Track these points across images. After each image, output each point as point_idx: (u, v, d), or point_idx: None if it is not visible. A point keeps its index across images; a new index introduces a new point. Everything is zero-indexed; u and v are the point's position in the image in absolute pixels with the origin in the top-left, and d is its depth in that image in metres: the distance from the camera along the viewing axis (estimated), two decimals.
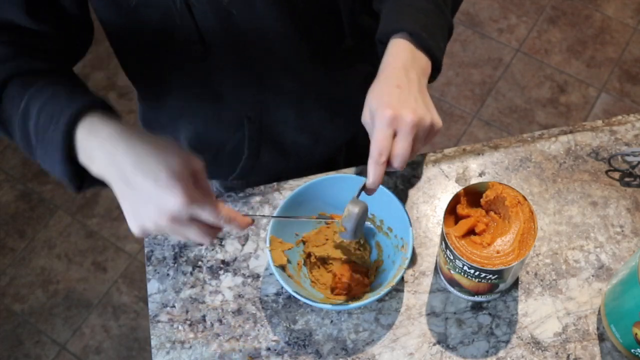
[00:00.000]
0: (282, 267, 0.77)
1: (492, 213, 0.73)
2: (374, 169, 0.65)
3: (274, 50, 0.79)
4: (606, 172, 0.89)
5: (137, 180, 0.55)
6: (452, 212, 0.73)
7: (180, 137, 0.92)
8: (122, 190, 0.57)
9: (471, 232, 0.72)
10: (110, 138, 0.57)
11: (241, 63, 0.80)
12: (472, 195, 0.73)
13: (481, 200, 0.73)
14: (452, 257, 0.71)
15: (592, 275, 0.82)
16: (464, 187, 0.73)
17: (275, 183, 0.89)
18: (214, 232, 0.60)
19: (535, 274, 0.82)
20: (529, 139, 0.93)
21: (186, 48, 0.76)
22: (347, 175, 0.82)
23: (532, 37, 2.22)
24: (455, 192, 0.73)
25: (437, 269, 0.81)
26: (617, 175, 0.89)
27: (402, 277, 0.80)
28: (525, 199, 0.72)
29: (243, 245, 0.86)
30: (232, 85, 0.83)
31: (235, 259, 0.85)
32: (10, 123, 0.64)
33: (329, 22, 0.81)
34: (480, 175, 0.90)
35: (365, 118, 0.68)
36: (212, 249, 0.85)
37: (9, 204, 1.98)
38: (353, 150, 1.04)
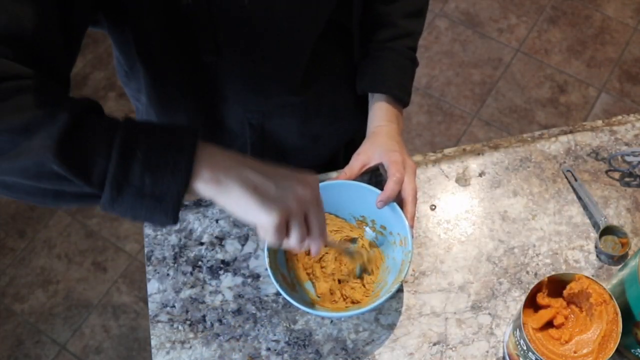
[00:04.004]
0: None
1: (573, 306, 0.70)
2: (393, 185, 0.79)
3: (283, 66, 0.81)
4: (606, 172, 0.89)
5: (278, 171, 0.62)
6: (532, 299, 0.70)
7: None
8: (257, 186, 0.59)
9: (549, 322, 0.69)
10: (236, 156, 0.60)
11: (250, 73, 0.80)
12: (555, 283, 0.70)
13: (564, 291, 0.69)
14: (525, 348, 0.68)
15: (592, 275, 0.82)
16: (548, 275, 0.70)
17: None
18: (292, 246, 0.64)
19: (535, 274, 0.82)
20: (529, 139, 0.93)
21: (199, 50, 0.76)
22: (346, 182, 0.81)
23: (532, 37, 2.22)
24: (539, 280, 0.70)
25: (503, 348, 0.77)
26: (617, 175, 0.89)
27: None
28: (612, 298, 0.67)
29: (243, 245, 0.86)
30: (237, 92, 0.83)
31: (235, 259, 0.85)
32: (90, 163, 0.54)
33: (341, 43, 0.89)
34: (480, 175, 0.90)
35: (363, 155, 0.84)
36: (212, 249, 0.85)
37: (9, 204, 1.98)
38: (352, 149, 1.05)
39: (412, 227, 0.78)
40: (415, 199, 0.80)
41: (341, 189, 0.81)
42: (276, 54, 0.79)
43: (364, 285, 0.81)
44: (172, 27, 0.73)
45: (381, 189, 0.79)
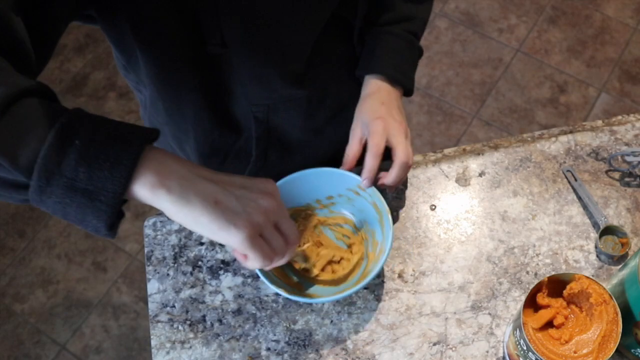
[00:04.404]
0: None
1: (573, 306, 0.70)
2: (372, 160, 0.78)
3: (288, 59, 0.80)
4: (606, 172, 0.89)
5: (235, 181, 0.58)
6: (532, 299, 0.70)
7: (190, 142, 0.92)
8: (219, 201, 0.55)
9: (549, 322, 0.69)
10: (187, 164, 0.55)
11: (255, 66, 0.80)
12: (555, 284, 0.70)
13: (564, 291, 0.69)
14: (525, 348, 0.68)
15: (592, 275, 0.82)
16: (548, 275, 0.69)
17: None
18: (276, 255, 0.61)
19: (535, 274, 0.82)
20: (529, 139, 0.93)
21: (205, 44, 0.75)
22: (328, 169, 0.83)
23: (532, 37, 2.22)
24: (539, 280, 0.70)
25: (503, 348, 0.77)
26: (617, 175, 0.89)
27: (383, 268, 0.79)
28: (612, 298, 0.67)
29: None
30: (242, 84, 0.83)
31: (235, 259, 0.85)
32: (21, 143, 0.50)
33: (344, 35, 0.88)
34: (480, 175, 0.90)
35: (356, 129, 0.82)
36: (212, 249, 0.85)
37: (9, 204, 1.98)
38: None
39: (370, 181, 0.78)
40: (378, 154, 0.78)
41: (301, 179, 0.82)
42: (280, 47, 0.79)
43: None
44: (176, 19, 0.73)
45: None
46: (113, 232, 0.53)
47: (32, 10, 0.57)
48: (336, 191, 0.85)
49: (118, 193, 0.50)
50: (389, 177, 0.79)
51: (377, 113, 0.81)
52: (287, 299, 0.81)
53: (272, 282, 0.75)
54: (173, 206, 0.53)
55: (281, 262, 0.63)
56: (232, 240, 0.56)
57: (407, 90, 0.88)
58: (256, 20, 0.74)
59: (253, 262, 0.59)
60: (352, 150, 0.82)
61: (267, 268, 0.63)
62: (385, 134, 0.78)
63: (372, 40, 0.87)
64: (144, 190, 0.52)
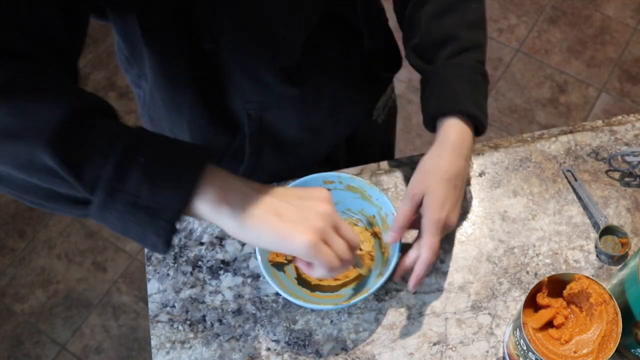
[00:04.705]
0: (278, 265, 0.78)
1: (573, 306, 0.70)
2: (420, 269, 0.75)
3: (280, 56, 0.80)
4: (606, 172, 0.89)
5: (291, 193, 0.60)
6: (532, 299, 0.70)
7: (186, 139, 0.92)
8: (279, 212, 0.57)
9: (549, 322, 0.69)
10: (246, 181, 0.58)
11: (247, 64, 0.80)
12: (555, 284, 0.70)
13: (564, 291, 0.69)
14: (525, 348, 0.68)
15: (592, 275, 0.82)
16: (548, 275, 0.69)
17: (274, 183, 0.89)
18: (340, 260, 0.62)
19: (535, 274, 0.82)
20: (529, 139, 0.93)
21: (197, 41, 0.76)
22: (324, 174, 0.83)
23: (532, 37, 2.22)
24: (539, 280, 0.69)
25: (503, 348, 0.76)
26: (617, 175, 0.89)
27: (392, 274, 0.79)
28: (612, 298, 0.67)
29: (243, 245, 0.86)
30: (235, 81, 0.83)
31: (235, 259, 0.85)
32: (85, 162, 0.51)
33: (343, 36, 0.85)
34: (480, 175, 0.90)
35: (414, 191, 0.75)
36: (212, 249, 0.85)
37: (9, 204, 1.98)
38: (352, 145, 1.05)
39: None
40: (427, 263, 0.74)
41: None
42: (271, 43, 0.79)
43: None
44: (174, 14, 0.73)
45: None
46: (169, 248, 0.54)
47: (69, 5, 0.58)
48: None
49: (179, 210, 0.51)
50: (413, 280, 0.75)
51: (437, 197, 0.73)
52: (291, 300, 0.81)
53: (290, 293, 0.75)
54: (235, 221, 0.55)
55: (346, 267, 0.62)
56: (298, 248, 0.56)
57: (480, 129, 0.78)
58: (246, 16, 0.74)
59: (319, 270, 0.60)
60: (402, 220, 0.75)
61: (334, 275, 0.63)
62: (439, 236, 0.74)
63: (441, 75, 0.77)
64: (206, 207, 0.53)
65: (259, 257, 0.77)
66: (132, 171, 0.50)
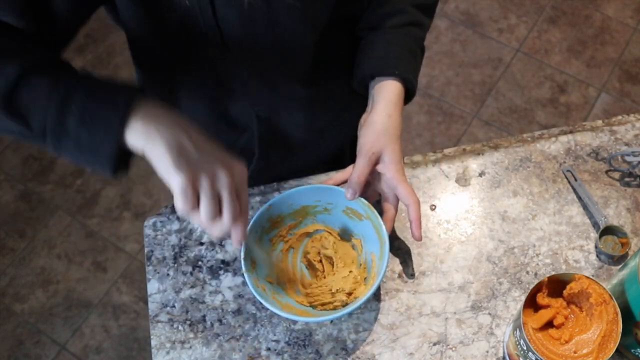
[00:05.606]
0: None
1: (573, 306, 0.70)
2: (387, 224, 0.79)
3: (289, 58, 0.80)
4: (606, 172, 0.89)
5: (207, 145, 0.62)
6: (532, 299, 0.70)
7: None
8: (182, 147, 0.60)
9: (549, 322, 0.69)
10: (176, 117, 0.62)
11: (256, 65, 0.80)
12: (555, 284, 0.70)
13: (564, 291, 0.69)
14: (525, 348, 0.68)
15: (592, 275, 0.82)
16: (548, 275, 0.69)
17: (275, 183, 0.89)
18: (220, 227, 0.63)
19: (535, 274, 0.82)
20: (529, 139, 0.93)
21: (205, 45, 0.76)
22: (323, 186, 0.81)
23: (532, 37, 2.22)
24: (539, 280, 0.69)
25: (503, 348, 0.76)
26: (617, 175, 0.89)
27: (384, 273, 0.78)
28: (612, 298, 0.67)
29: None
30: (244, 84, 0.83)
31: (235, 259, 0.85)
32: (32, 112, 0.60)
33: (349, 37, 0.87)
34: (480, 175, 0.90)
35: (372, 150, 0.77)
36: (212, 249, 0.85)
37: (9, 204, 1.98)
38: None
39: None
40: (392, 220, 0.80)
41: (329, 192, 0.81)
42: (280, 48, 0.79)
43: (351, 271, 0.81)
44: (173, 24, 0.73)
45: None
46: (122, 174, 0.62)
47: None
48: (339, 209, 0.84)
49: (114, 148, 0.59)
50: (415, 225, 0.78)
51: (400, 157, 0.79)
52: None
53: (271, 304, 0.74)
54: (148, 149, 0.59)
55: (219, 228, 0.63)
56: (170, 182, 0.60)
57: (411, 96, 0.85)
58: (251, 23, 0.74)
59: (179, 205, 0.62)
60: (360, 176, 0.78)
61: (213, 233, 0.64)
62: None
63: (385, 39, 0.83)
64: (132, 137, 0.59)
65: (248, 280, 0.75)
66: (69, 120, 0.58)
